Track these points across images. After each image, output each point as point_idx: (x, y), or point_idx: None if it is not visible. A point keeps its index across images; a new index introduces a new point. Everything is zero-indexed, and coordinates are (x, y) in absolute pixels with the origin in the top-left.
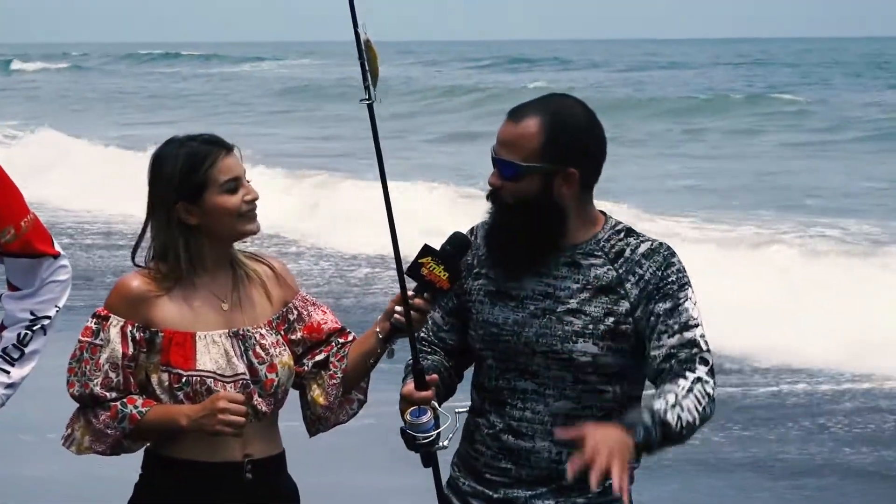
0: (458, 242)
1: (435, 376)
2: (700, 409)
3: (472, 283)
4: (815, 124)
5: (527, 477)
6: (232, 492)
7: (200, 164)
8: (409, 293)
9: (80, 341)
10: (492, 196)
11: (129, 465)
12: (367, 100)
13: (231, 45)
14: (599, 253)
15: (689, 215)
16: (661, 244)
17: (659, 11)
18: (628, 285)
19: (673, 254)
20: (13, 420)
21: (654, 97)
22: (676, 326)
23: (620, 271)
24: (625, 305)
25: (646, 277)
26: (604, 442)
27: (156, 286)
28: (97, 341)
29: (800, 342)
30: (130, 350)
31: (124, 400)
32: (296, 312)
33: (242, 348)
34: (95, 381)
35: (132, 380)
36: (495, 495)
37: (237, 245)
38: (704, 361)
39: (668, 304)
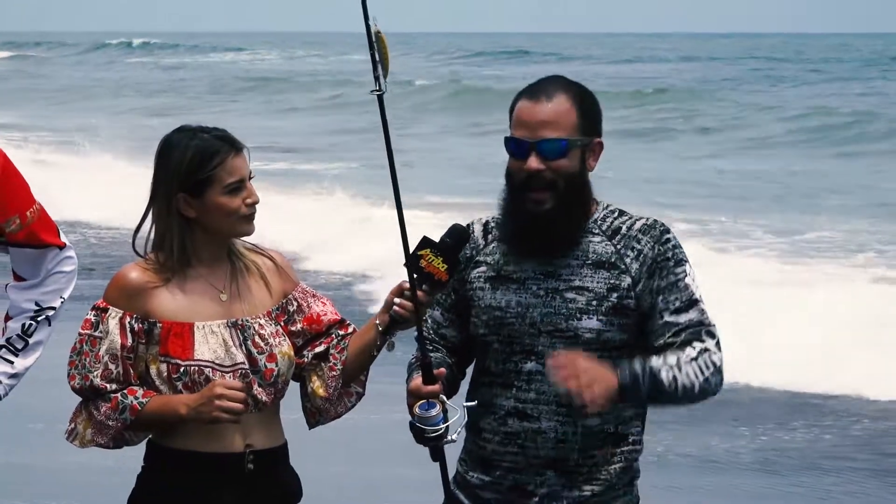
0: (456, 234)
1: (443, 370)
2: (703, 377)
3: (470, 272)
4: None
5: (534, 461)
6: (234, 482)
7: (209, 160)
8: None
9: (79, 334)
10: (530, 183)
11: (133, 457)
12: (378, 91)
13: (233, 34)
14: (597, 231)
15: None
16: (655, 221)
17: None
18: (628, 260)
19: (668, 230)
20: (23, 408)
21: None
22: (679, 303)
23: (619, 246)
24: (626, 280)
25: (644, 252)
26: (587, 370)
27: (154, 277)
28: (96, 333)
29: None
30: (129, 341)
31: (125, 391)
32: (296, 304)
33: (241, 338)
34: (95, 372)
35: (132, 371)
36: (505, 483)
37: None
38: (711, 334)
39: (668, 280)
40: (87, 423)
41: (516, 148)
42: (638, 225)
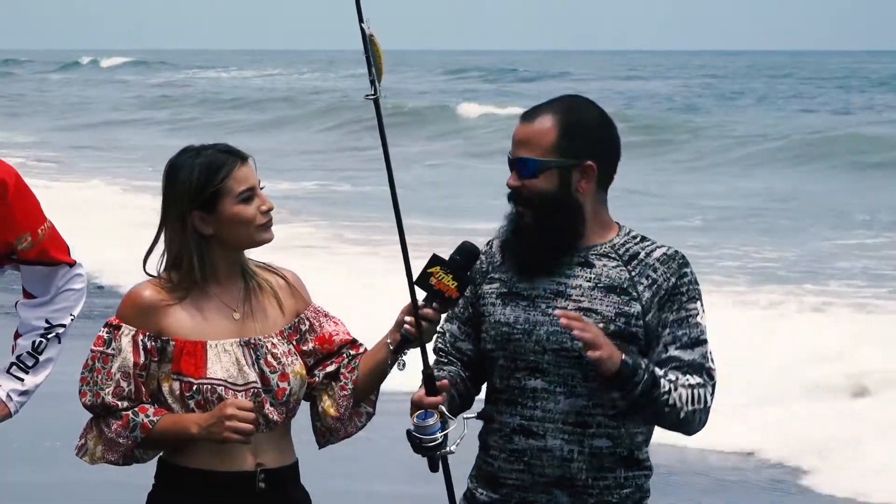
0: (466, 252)
1: (445, 382)
2: (691, 407)
3: (484, 287)
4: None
5: (540, 479)
6: (245, 501)
7: (216, 173)
8: (419, 303)
9: (91, 351)
10: (513, 198)
11: (144, 474)
12: (373, 95)
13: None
14: (614, 255)
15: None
16: (675, 252)
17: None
18: (641, 287)
19: (687, 263)
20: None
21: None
22: (686, 339)
23: (633, 273)
24: (636, 307)
25: (659, 283)
26: (599, 333)
27: (167, 295)
28: (109, 350)
29: None
30: (142, 359)
31: (136, 409)
32: (308, 323)
33: (254, 357)
34: (107, 390)
35: (143, 389)
36: (511, 501)
37: (250, 254)
38: (710, 377)
39: (679, 315)
40: (97, 440)
41: (508, 164)
42: (657, 254)
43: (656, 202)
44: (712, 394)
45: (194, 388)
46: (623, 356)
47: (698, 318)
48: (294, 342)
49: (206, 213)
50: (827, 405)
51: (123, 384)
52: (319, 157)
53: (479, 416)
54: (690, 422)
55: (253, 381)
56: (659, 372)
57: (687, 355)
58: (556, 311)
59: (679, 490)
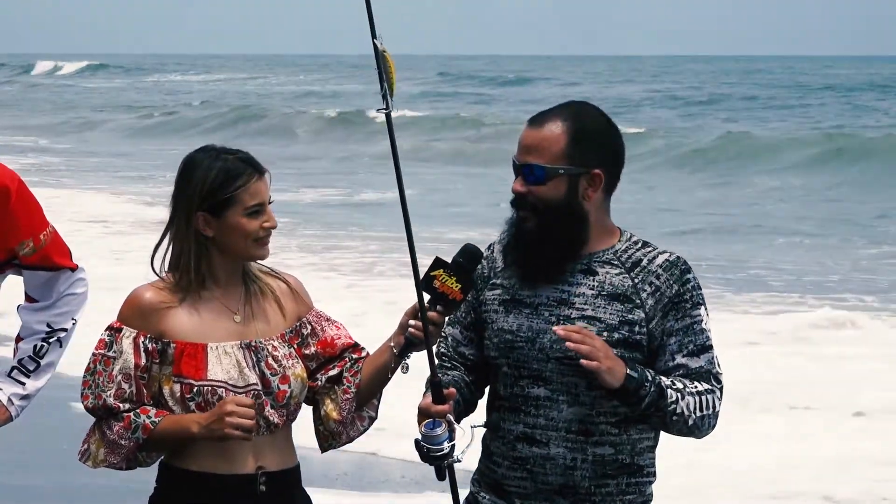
0: (469, 254)
1: (453, 390)
2: (699, 414)
3: (487, 293)
4: None
5: (543, 486)
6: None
7: (232, 181)
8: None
9: (93, 354)
10: (517, 203)
11: (147, 480)
12: (385, 109)
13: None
14: (616, 262)
15: None
16: (678, 258)
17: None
18: (644, 294)
19: (689, 269)
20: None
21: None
22: (692, 347)
23: (636, 280)
24: (639, 314)
25: (662, 290)
26: (601, 345)
27: (168, 297)
28: (110, 353)
29: None
30: (143, 361)
31: (137, 410)
32: (309, 327)
33: (255, 359)
34: (108, 392)
35: (145, 391)
36: None
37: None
38: (718, 381)
39: (684, 323)
40: (99, 443)
41: (513, 169)
42: (659, 260)
43: None
44: (720, 398)
45: (195, 389)
46: (627, 370)
47: (703, 325)
48: (295, 346)
49: (211, 217)
50: None
51: (125, 386)
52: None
53: (486, 425)
54: (699, 427)
55: (253, 384)
56: (666, 382)
57: (694, 363)
58: (555, 328)
59: None
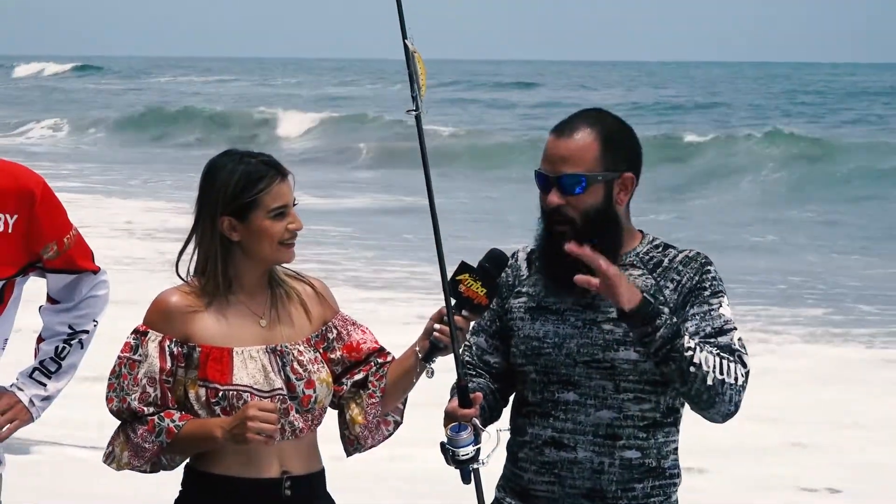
0: (495, 259)
1: (479, 394)
2: (719, 375)
3: (512, 301)
4: None
5: (570, 490)
6: None
7: (255, 184)
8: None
9: (118, 357)
10: (552, 216)
11: (171, 482)
12: (415, 110)
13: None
14: (639, 264)
15: None
16: (697, 253)
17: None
18: (667, 292)
19: (709, 262)
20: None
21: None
22: (709, 329)
23: (659, 279)
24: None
25: (682, 282)
26: (617, 272)
27: (194, 301)
28: (136, 357)
29: None
30: (168, 365)
31: (161, 414)
32: (335, 331)
33: (280, 364)
34: (133, 395)
35: (170, 395)
36: None
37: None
38: (742, 360)
39: (702, 308)
40: (123, 446)
41: (540, 182)
42: (680, 257)
43: None
44: (745, 376)
45: (220, 394)
46: (644, 295)
47: (720, 310)
48: (321, 350)
49: (236, 221)
50: None
51: (149, 390)
52: None
53: (512, 429)
54: (719, 394)
55: (279, 388)
56: (684, 330)
57: (714, 343)
58: (566, 245)
59: None
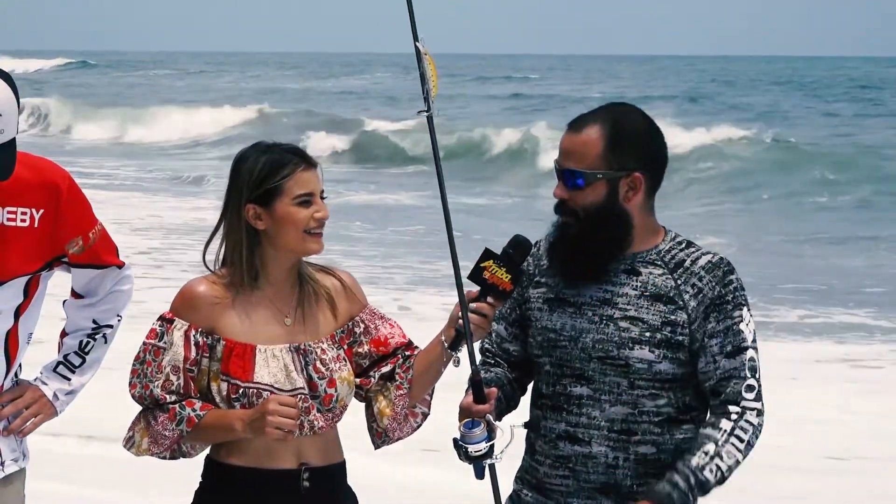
0: (519, 245)
1: (494, 390)
2: (742, 447)
3: (531, 291)
4: None
5: (585, 485)
6: (290, 499)
7: (278, 171)
8: (472, 299)
9: (144, 343)
10: (559, 208)
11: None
12: (426, 111)
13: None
14: (659, 262)
15: None
16: (721, 259)
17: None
18: (686, 296)
19: (732, 270)
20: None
21: None
22: (730, 347)
23: (679, 281)
24: (682, 316)
25: (704, 291)
26: None
27: (221, 293)
28: (161, 344)
29: None
30: (192, 354)
31: (183, 403)
32: (362, 325)
33: (303, 363)
34: (156, 383)
35: (192, 384)
36: None
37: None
38: (751, 388)
39: (724, 325)
40: (143, 433)
41: (556, 173)
42: (702, 261)
43: None
44: (756, 404)
45: (241, 391)
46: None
47: (741, 325)
48: (346, 346)
49: (261, 208)
50: None
51: (173, 378)
52: None
53: (527, 425)
54: (747, 451)
55: (300, 388)
56: (698, 464)
57: (729, 363)
58: None
59: None
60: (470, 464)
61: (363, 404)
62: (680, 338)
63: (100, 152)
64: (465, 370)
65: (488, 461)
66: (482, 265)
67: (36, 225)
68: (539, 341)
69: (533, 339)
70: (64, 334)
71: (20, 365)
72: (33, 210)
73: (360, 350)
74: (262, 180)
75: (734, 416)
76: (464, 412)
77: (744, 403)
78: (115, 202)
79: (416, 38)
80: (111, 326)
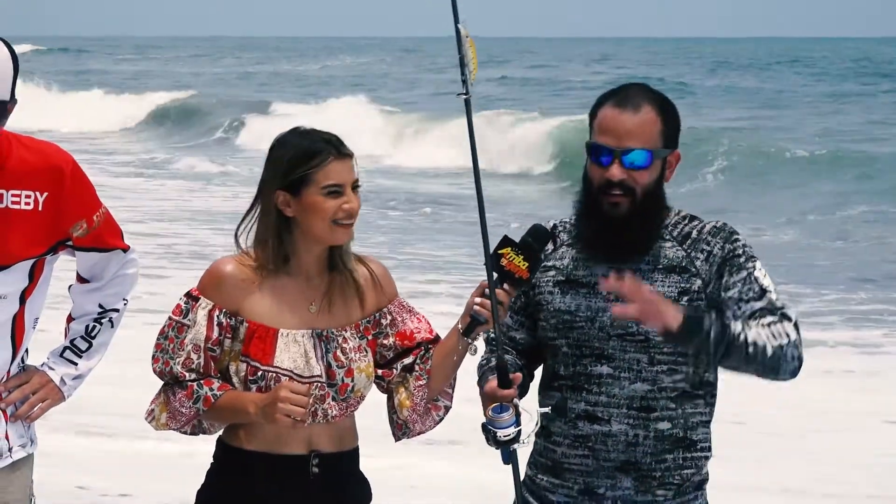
0: (537, 233)
1: (519, 375)
2: (776, 342)
3: (540, 276)
4: None
5: (605, 464)
6: (298, 484)
7: (310, 159)
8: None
9: (169, 318)
10: (608, 188)
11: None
12: (465, 94)
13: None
14: (668, 237)
15: None
16: (724, 223)
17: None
18: (698, 263)
19: (736, 231)
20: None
21: None
22: (752, 293)
23: (689, 250)
24: (697, 283)
25: (714, 252)
26: (655, 294)
27: (249, 274)
28: (185, 321)
29: None
30: (215, 334)
31: (201, 382)
32: (389, 317)
33: (324, 350)
34: (177, 360)
35: (213, 364)
36: (575, 487)
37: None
38: (786, 316)
39: (741, 275)
40: (163, 408)
41: (599, 154)
42: (707, 227)
43: None
44: (795, 328)
45: (259, 373)
46: (685, 312)
47: (757, 273)
48: (370, 336)
49: (290, 196)
50: None
51: (193, 356)
52: None
53: (554, 409)
54: (779, 357)
55: (318, 375)
56: (728, 316)
57: (760, 305)
58: (613, 310)
59: None
60: (497, 448)
61: (385, 396)
62: (697, 303)
63: None
64: (469, 360)
65: (516, 446)
66: (500, 252)
67: (40, 208)
68: (553, 324)
69: (546, 323)
70: (70, 319)
71: (27, 350)
72: (37, 193)
73: (384, 342)
74: (291, 168)
75: (770, 321)
76: (489, 397)
77: (780, 320)
78: None
79: (456, 21)
80: (117, 310)
